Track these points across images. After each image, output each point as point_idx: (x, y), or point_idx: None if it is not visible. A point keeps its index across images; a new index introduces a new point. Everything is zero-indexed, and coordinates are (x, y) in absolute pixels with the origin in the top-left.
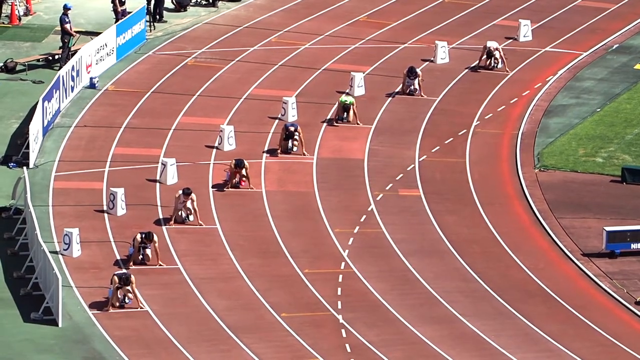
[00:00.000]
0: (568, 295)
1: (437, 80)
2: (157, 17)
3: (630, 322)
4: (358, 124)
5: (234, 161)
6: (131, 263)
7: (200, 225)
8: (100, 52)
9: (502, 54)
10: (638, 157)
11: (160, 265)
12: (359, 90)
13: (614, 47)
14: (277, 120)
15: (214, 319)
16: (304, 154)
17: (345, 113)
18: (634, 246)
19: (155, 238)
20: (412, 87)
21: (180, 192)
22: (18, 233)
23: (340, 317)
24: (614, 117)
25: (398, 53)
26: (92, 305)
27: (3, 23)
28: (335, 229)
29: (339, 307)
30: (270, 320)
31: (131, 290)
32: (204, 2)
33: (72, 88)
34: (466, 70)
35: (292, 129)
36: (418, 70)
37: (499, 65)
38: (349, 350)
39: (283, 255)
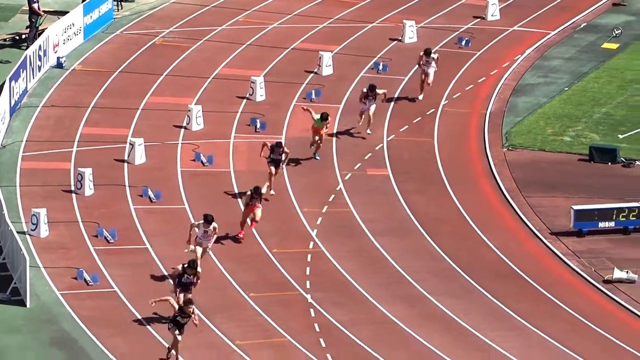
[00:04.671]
0: (536, 274)
1: (406, 59)
2: None
3: (598, 301)
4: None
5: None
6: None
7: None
8: (68, 32)
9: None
10: (606, 136)
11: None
12: (327, 70)
13: (581, 26)
14: (245, 100)
15: None
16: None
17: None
18: (601, 225)
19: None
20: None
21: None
22: None
23: (309, 296)
24: (581, 96)
25: (366, 32)
26: (60, 286)
27: None
28: (303, 208)
29: (308, 286)
30: (238, 300)
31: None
32: None
33: (40, 68)
34: (435, 49)
35: (279, 150)
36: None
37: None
38: (317, 329)
39: (251, 234)
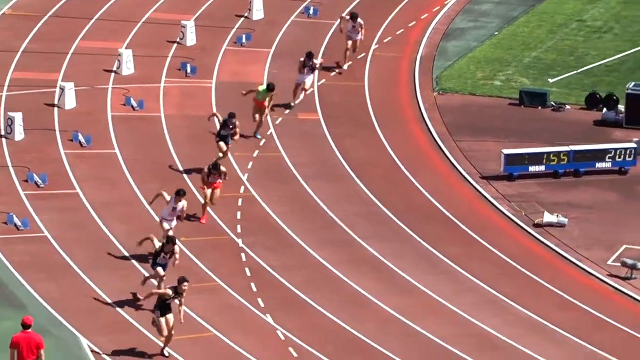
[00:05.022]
0: (467, 218)
1: (337, 2)
2: None
3: (528, 244)
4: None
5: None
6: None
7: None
8: None
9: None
10: (536, 80)
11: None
12: (258, 14)
13: None
14: (175, 44)
15: (114, 244)
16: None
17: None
18: (531, 169)
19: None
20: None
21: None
22: None
23: (240, 241)
24: (511, 40)
25: None
26: None
27: None
28: (234, 152)
29: (239, 231)
30: None
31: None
32: None
33: None
34: None
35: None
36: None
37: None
38: (248, 274)
39: (182, 179)
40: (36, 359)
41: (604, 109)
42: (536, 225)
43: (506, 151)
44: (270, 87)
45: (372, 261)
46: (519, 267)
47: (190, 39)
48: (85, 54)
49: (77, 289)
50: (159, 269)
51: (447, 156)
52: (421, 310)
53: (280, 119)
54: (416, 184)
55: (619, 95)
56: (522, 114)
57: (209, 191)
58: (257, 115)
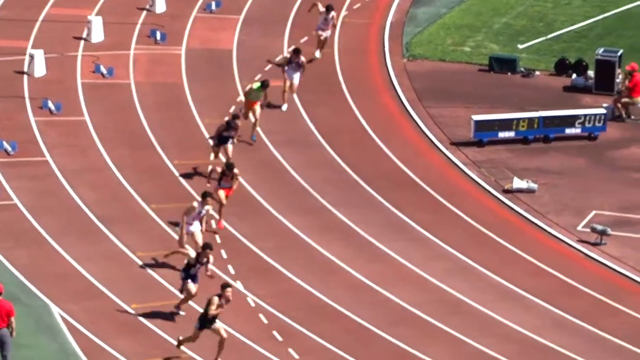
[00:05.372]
0: (437, 184)
1: None
2: None
3: (497, 210)
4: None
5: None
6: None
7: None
8: None
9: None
10: (505, 46)
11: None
12: None
13: None
14: (145, 11)
15: (84, 211)
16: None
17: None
18: (501, 135)
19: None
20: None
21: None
22: None
23: (210, 207)
24: (481, 6)
25: None
26: None
27: None
28: (204, 119)
29: None
30: (140, 211)
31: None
32: None
33: None
34: None
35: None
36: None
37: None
38: (219, 241)
39: (152, 146)
40: (7, 326)
41: (574, 75)
42: (506, 191)
43: (476, 117)
44: (264, 84)
45: (342, 228)
46: (488, 233)
47: (160, 6)
48: (54, 22)
49: (47, 256)
50: (191, 285)
51: (416, 123)
52: (391, 277)
53: (249, 86)
54: (386, 150)
55: (588, 61)
56: (491, 80)
57: (222, 193)
58: (250, 115)
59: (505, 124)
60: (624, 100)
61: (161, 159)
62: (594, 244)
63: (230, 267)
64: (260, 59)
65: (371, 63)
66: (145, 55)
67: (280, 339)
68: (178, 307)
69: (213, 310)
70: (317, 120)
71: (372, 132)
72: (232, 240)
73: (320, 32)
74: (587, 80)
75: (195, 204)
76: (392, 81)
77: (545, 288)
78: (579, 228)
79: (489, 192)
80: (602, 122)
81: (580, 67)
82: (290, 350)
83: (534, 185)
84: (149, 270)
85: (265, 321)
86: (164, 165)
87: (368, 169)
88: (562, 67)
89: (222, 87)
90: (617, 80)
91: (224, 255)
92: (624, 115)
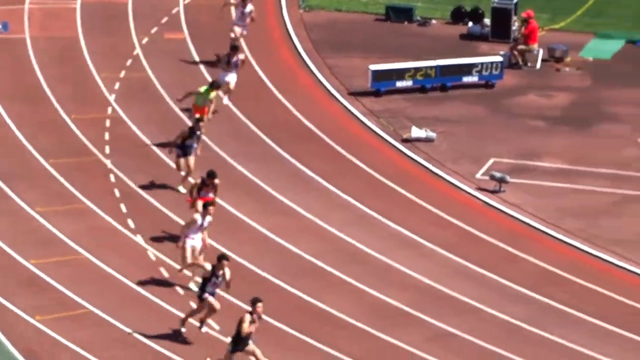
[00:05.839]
0: (335, 135)
1: None
2: None
3: (396, 159)
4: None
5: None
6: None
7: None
8: None
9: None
10: None
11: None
12: None
13: None
14: None
15: None
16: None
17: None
18: (399, 84)
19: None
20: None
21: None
22: None
23: (108, 162)
24: None
25: None
26: None
27: None
28: (101, 73)
29: (107, 152)
30: (37, 167)
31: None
32: None
33: None
34: None
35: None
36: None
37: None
38: (118, 195)
39: (49, 101)
40: None
41: (470, 23)
42: (404, 141)
43: (373, 67)
44: (214, 85)
45: (243, 181)
46: (388, 182)
47: None
48: None
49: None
50: (212, 300)
51: (314, 73)
52: (292, 229)
53: (146, 39)
54: (284, 101)
55: (484, 9)
56: (388, 29)
57: (200, 203)
58: (198, 121)
59: (403, 73)
60: (520, 47)
61: (58, 114)
62: (493, 192)
63: (130, 221)
64: (157, 10)
65: (268, 14)
66: (40, 9)
67: (181, 292)
68: (201, 323)
69: (246, 328)
70: (216, 75)
71: (270, 85)
72: (132, 194)
73: (236, 29)
74: (484, 28)
75: (197, 216)
76: (289, 32)
77: (445, 236)
78: (478, 176)
79: (387, 141)
80: (499, 69)
81: (476, 15)
82: (192, 303)
83: (433, 134)
84: (48, 226)
85: (167, 274)
86: (61, 119)
87: (266, 121)
88: (458, 16)
89: (118, 41)
90: (514, 28)
91: (124, 209)
92: (520, 63)
